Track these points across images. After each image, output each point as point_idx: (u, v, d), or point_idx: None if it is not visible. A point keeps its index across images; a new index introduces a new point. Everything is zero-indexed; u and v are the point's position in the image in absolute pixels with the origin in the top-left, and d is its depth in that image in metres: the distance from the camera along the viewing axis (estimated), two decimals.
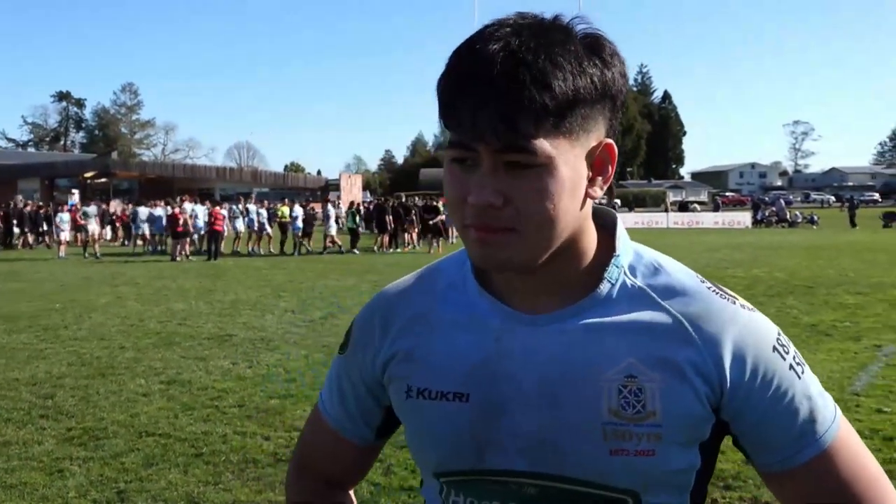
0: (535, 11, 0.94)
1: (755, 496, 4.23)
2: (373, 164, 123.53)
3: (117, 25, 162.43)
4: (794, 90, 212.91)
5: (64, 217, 25.40)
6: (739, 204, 70.00)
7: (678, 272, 1.03)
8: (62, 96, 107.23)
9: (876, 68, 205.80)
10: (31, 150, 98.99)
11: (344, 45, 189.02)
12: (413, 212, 25.85)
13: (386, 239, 25.34)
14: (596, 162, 0.96)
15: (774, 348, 0.98)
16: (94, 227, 24.37)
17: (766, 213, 43.16)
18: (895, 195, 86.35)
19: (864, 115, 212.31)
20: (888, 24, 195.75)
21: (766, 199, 61.03)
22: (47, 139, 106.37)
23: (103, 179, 48.83)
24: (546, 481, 0.99)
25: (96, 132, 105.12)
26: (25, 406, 6.28)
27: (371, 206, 32.80)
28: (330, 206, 26.72)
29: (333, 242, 24.71)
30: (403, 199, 29.45)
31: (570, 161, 0.91)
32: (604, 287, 1.00)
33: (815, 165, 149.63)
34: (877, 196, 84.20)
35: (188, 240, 23.22)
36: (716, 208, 58.59)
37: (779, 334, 1.00)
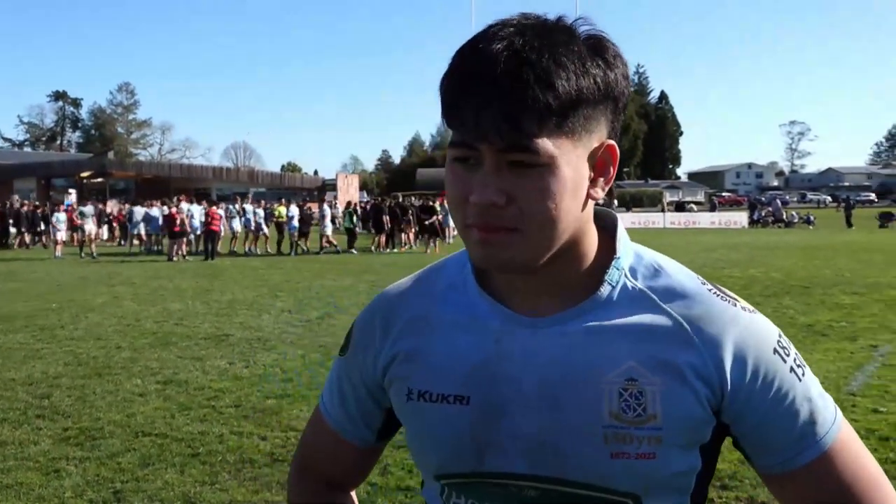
0: (538, 13, 0.94)
1: (751, 496, 4.23)
2: (370, 164, 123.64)
3: (114, 25, 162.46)
4: (791, 90, 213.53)
5: (60, 217, 25.36)
6: (736, 204, 70.06)
7: (678, 274, 1.03)
8: (58, 96, 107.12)
9: (872, 69, 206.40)
10: (27, 149, 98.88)
11: (341, 45, 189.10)
12: (410, 212, 25.86)
13: (383, 239, 25.33)
14: (598, 163, 0.96)
15: (775, 350, 0.98)
16: (90, 226, 24.33)
17: (763, 214, 43.20)
18: (891, 195, 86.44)
19: (861, 116, 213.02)
20: (885, 25, 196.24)
21: (763, 199, 61.07)
22: (44, 139, 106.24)
23: (99, 179, 48.68)
24: (546, 484, 0.99)
25: (93, 132, 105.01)
26: (22, 406, 6.27)
27: (368, 207, 32.77)
28: (326, 206, 26.71)
29: (329, 243, 24.71)
30: (400, 199, 29.44)
31: (572, 161, 0.91)
32: (604, 289, 1.00)
33: (812, 165, 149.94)
34: (873, 196, 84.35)
35: (185, 240, 23.19)
36: (712, 208, 58.60)
37: (780, 336, 1.00)
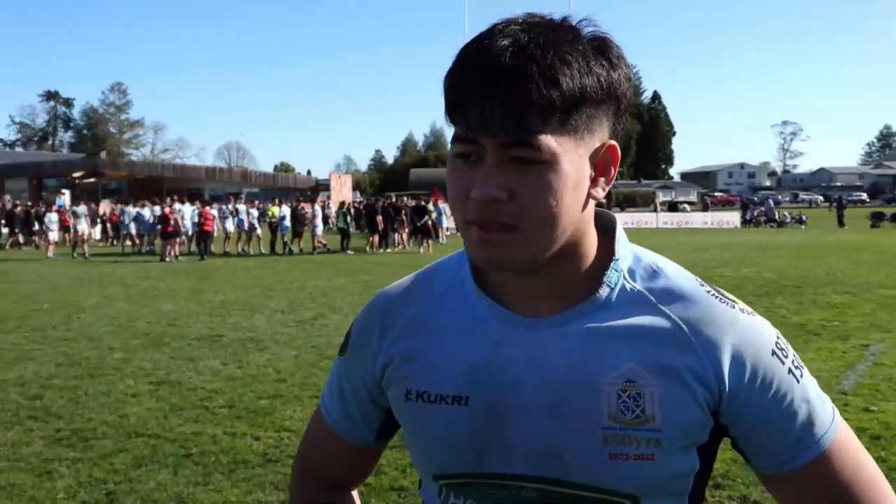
0: (543, 13, 0.95)
1: (744, 495, 4.24)
2: (363, 165, 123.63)
3: (106, 25, 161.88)
4: (783, 91, 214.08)
5: (52, 217, 25.29)
6: (728, 204, 70.18)
7: (677, 276, 1.03)
8: (50, 96, 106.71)
9: (864, 69, 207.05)
10: (18, 149, 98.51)
11: (334, 45, 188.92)
12: (403, 212, 25.85)
13: (376, 239, 25.31)
14: (599, 163, 0.96)
15: (773, 352, 0.98)
16: (83, 227, 24.26)
17: (755, 213, 43.30)
18: (882, 195, 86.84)
19: (852, 116, 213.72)
20: (877, 25, 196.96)
21: (755, 199, 61.28)
22: (35, 139, 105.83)
23: (92, 179, 48.58)
24: (546, 485, 0.99)
25: (85, 132, 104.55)
26: (13, 407, 6.24)
27: (361, 207, 32.74)
28: (317, 206, 26.69)
29: (320, 243, 24.70)
30: (394, 200, 29.42)
31: (573, 160, 0.91)
32: (603, 291, 1.00)
33: (804, 166, 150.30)
34: (864, 196, 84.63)
35: (178, 240, 23.14)
36: (705, 208, 58.70)
37: (778, 338, 1.01)
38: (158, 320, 10.68)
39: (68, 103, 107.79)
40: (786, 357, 0.99)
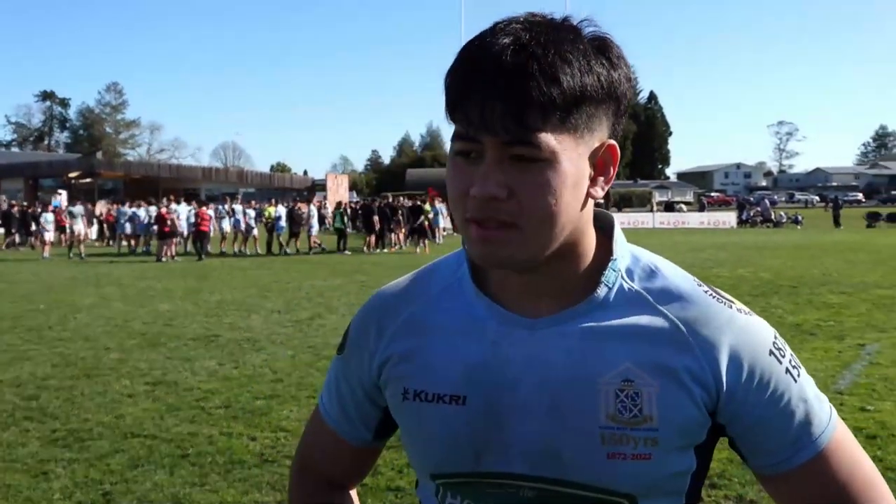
0: (545, 12, 0.95)
1: (740, 494, 4.25)
2: (359, 165, 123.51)
3: (102, 25, 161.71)
4: (779, 91, 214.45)
5: (48, 217, 25.24)
6: (724, 204, 70.28)
7: (675, 276, 1.03)
8: (46, 96, 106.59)
9: (860, 69, 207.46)
10: (14, 149, 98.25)
11: (331, 45, 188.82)
12: (400, 212, 25.84)
13: (373, 239, 25.31)
14: (598, 162, 0.96)
15: (771, 352, 0.98)
16: (80, 227, 24.21)
17: (751, 214, 43.34)
18: (878, 195, 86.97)
19: (849, 116, 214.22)
20: (873, 25, 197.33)
21: (751, 199, 61.26)
22: (31, 139, 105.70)
23: (88, 179, 48.39)
24: (545, 484, 0.99)
25: (81, 132, 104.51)
26: (9, 408, 6.23)
27: (358, 207, 32.72)
28: (312, 207, 26.67)
29: (316, 244, 24.67)
30: (390, 200, 29.41)
31: (573, 158, 0.91)
32: (601, 291, 1.00)
33: (800, 166, 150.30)
34: (860, 196, 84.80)
35: (174, 240, 23.11)
36: (701, 208, 58.77)
37: (775, 338, 1.01)
38: (155, 320, 10.66)
39: (64, 103, 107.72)
40: (783, 357, 0.99)
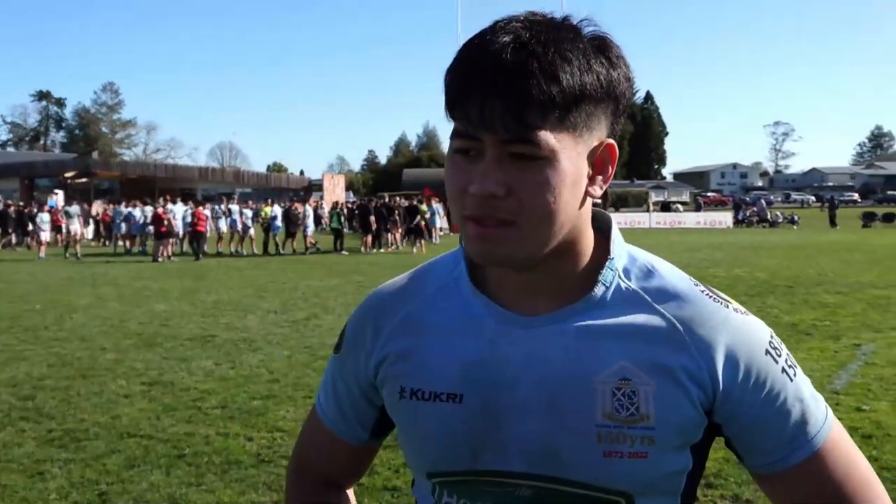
0: (545, 12, 0.95)
1: (736, 494, 4.26)
2: (356, 165, 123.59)
3: (98, 24, 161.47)
4: (775, 91, 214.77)
5: (44, 217, 25.19)
6: (721, 204, 70.33)
7: (671, 275, 1.03)
8: (42, 95, 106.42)
9: (857, 69, 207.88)
10: (10, 149, 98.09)
11: (327, 45, 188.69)
12: (396, 212, 25.84)
13: (369, 239, 25.30)
14: (597, 161, 0.97)
15: (767, 351, 0.98)
16: (76, 227, 24.17)
17: (748, 214, 43.43)
18: (874, 195, 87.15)
19: (845, 116, 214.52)
20: (871, 25, 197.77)
21: (748, 199, 61.32)
22: (27, 139, 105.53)
23: (84, 179, 48.31)
24: (542, 483, 0.99)
25: (77, 132, 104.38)
26: (5, 408, 6.22)
27: (354, 207, 32.72)
28: (308, 207, 26.66)
29: (311, 243, 24.67)
30: (387, 200, 29.41)
31: (572, 157, 0.92)
32: (598, 290, 1.00)
33: (796, 166, 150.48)
34: (856, 196, 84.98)
35: (171, 240, 23.08)
36: (698, 208, 58.87)
37: (771, 337, 1.01)
38: (151, 321, 10.65)
39: (60, 103, 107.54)
40: (779, 356, 0.99)
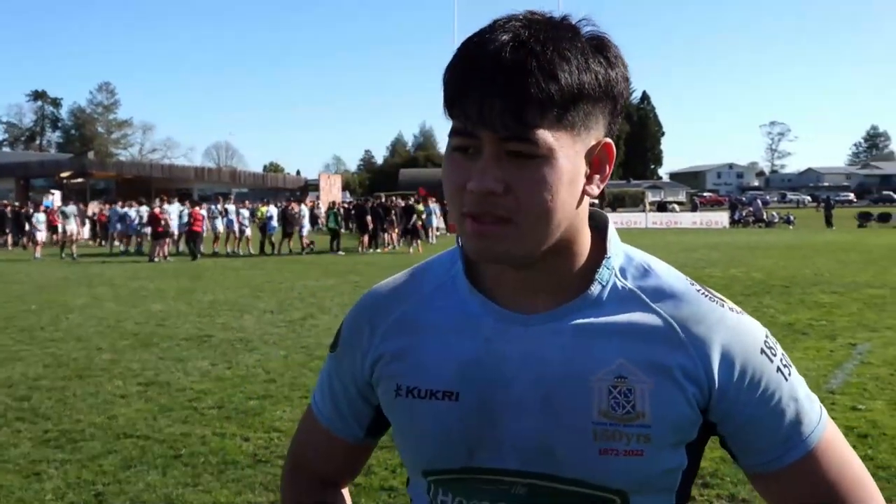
0: (544, 11, 0.96)
1: (732, 493, 4.26)
2: (352, 165, 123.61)
3: (94, 24, 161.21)
4: (771, 91, 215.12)
5: (40, 217, 25.14)
6: (717, 204, 70.36)
7: (667, 274, 1.04)
8: (38, 95, 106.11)
9: (854, 70, 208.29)
10: (5, 149, 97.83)
11: (324, 45, 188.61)
12: (393, 212, 25.84)
13: (366, 239, 25.29)
14: (594, 160, 0.97)
15: (762, 351, 0.99)
16: (72, 227, 24.13)
17: (744, 214, 43.51)
18: (870, 195, 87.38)
19: (840, 117, 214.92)
20: (869, 25, 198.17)
21: (744, 199, 61.51)
22: (22, 139, 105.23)
23: (80, 179, 48.23)
24: (538, 480, 0.99)
25: (72, 132, 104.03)
26: (1, 408, 6.21)
27: (351, 207, 32.70)
28: (303, 207, 26.66)
29: (307, 243, 24.67)
30: (383, 200, 29.39)
31: (570, 155, 0.92)
32: (594, 289, 1.00)
33: (792, 166, 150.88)
34: (852, 196, 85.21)
35: (167, 240, 23.05)
36: (694, 208, 58.93)
37: (766, 336, 1.01)
38: (147, 321, 10.64)
39: (56, 103, 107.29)
40: (774, 356, 1.00)
